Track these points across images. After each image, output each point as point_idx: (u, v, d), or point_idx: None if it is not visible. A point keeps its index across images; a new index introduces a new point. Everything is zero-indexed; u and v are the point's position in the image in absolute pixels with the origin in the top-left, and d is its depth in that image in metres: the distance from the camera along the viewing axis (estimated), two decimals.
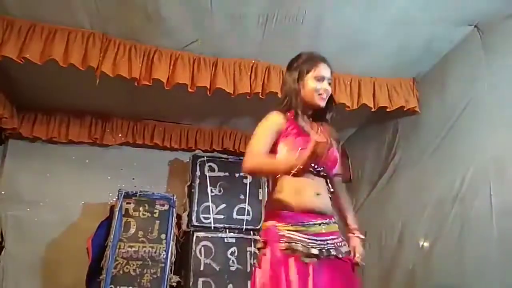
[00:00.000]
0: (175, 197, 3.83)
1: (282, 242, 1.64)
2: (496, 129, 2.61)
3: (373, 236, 3.77)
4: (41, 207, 3.95)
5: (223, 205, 3.94)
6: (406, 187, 3.47)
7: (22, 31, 2.71)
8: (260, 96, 3.10)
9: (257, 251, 1.79)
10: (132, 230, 3.61)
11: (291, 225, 1.67)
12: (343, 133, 4.31)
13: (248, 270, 3.73)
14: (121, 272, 3.45)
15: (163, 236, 3.65)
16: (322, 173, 1.78)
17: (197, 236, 3.79)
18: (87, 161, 4.17)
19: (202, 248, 3.76)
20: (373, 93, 3.34)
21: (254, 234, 3.85)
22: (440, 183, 3.03)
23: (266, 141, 1.76)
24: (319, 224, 1.70)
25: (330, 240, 1.70)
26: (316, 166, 1.72)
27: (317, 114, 1.91)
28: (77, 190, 4.05)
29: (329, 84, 1.87)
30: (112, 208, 3.71)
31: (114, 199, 3.74)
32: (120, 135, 4.14)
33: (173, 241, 3.66)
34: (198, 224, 3.84)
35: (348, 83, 3.31)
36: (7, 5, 2.65)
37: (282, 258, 1.62)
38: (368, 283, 3.69)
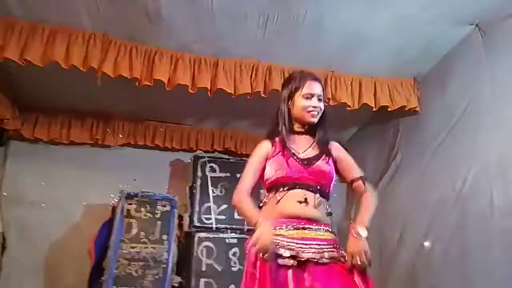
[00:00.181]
0: (176, 198, 3.83)
1: None
2: (498, 128, 2.61)
3: (374, 236, 3.76)
4: (43, 208, 3.95)
5: (225, 206, 3.94)
6: (407, 187, 3.47)
7: (23, 33, 2.72)
8: (262, 94, 3.10)
9: None
10: (134, 231, 3.61)
11: (275, 230, 1.72)
12: (344, 133, 4.31)
13: None
14: (123, 273, 3.45)
15: (164, 237, 3.65)
16: (310, 188, 1.80)
17: (198, 237, 3.80)
18: (88, 162, 4.17)
19: (204, 248, 3.76)
20: (374, 93, 3.34)
21: None
22: (442, 183, 3.02)
23: (253, 174, 1.90)
24: (302, 228, 1.74)
25: (315, 245, 1.72)
26: (293, 183, 1.79)
27: (313, 130, 1.95)
28: (79, 191, 4.05)
29: (320, 100, 1.90)
30: (113, 209, 3.71)
31: (116, 200, 3.74)
32: (121, 136, 4.14)
33: (174, 242, 3.66)
34: (200, 225, 3.84)
35: (349, 83, 3.31)
36: (8, 5, 2.65)
37: (261, 260, 1.67)
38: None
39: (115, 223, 3.55)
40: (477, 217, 2.65)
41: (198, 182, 4.00)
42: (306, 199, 1.77)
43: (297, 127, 1.94)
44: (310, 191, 1.80)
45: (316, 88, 1.91)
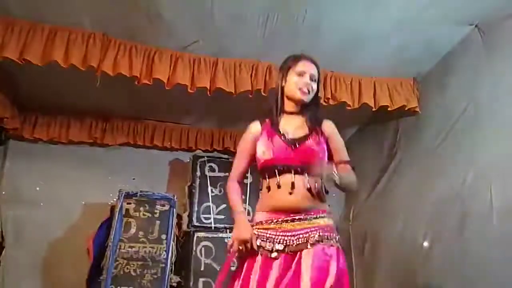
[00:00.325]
0: (175, 197, 3.82)
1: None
2: (497, 129, 2.61)
3: (373, 235, 3.77)
4: (42, 207, 3.95)
5: (224, 205, 3.93)
6: (406, 187, 3.47)
7: (23, 32, 2.72)
8: (263, 93, 3.09)
9: None
10: (133, 230, 3.60)
11: (264, 224, 1.80)
12: (344, 132, 4.29)
13: None
14: (121, 272, 3.45)
15: (163, 236, 3.64)
16: (298, 170, 1.78)
17: (197, 236, 3.79)
18: (87, 161, 4.17)
19: (203, 248, 3.76)
20: (373, 93, 3.34)
21: None
22: (441, 183, 3.02)
23: (242, 160, 1.99)
24: (291, 221, 1.76)
25: (303, 233, 1.72)
26: (280, 167, 1.80)
27: (306, 110, 1.93)
28: (78, 190, 4.05)
29: (314, 81, 1.90)
30: (112, 208, 3.71)
31: (115, 199, 3.73)
32: (119, 135, 4.14)
33: (173, 241, 3.66)
34: (199, 224, 3.84)
35: (349, 82, 3.31)
36: (8, 5, 2.65)
37: (251, 253, 1.75)
38: (367, 283, 3.69)
39: (114, 222, 3.54)
40: (476, 217, 2.65)
41: (197, 181, 3.99)
42: (294, 185, 1.76)
43: (290, 106, 1.93)
44: (299, 173, 1.78)
45: (309, 67, 1.91)
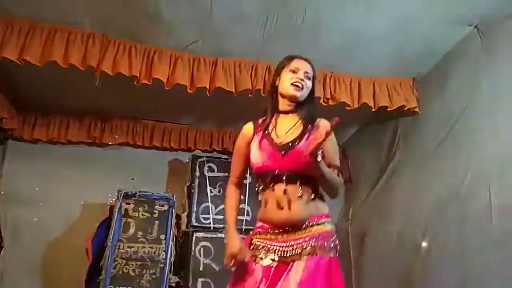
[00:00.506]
0: (174, 197, 3.82)
1: (251, 249, 1.81)
2: (496, 129, 2.61)
3: (373, 235, 3.77)
4: (41, 207, 3.94)
5: (223, 206, 3.92)
6: (405, 187, 3.47)
7: (22, 32, 2.71)
8: (262, 93, 3.09)
9: None
10: (132, 231, 3.60)
11: (261, 234, 1.82)
12: (343, 133, 4.31)
13: None
14: (120, 272, 3.45)
15: (162, 236, 3.64)
16: (290, 179, 1.75)
17: (196, 237, 3.79)
18: (87, 161, 4.17)
19: (202, 248, 3.76)
20: (373, 93, 3.35)
21: None
22: (440, 184, 3.03)
23: (237, 164, 1.99)
24: (286, 232, 1.76)
25: (296, 244, 1.72)
26: (270, 175, 1.78)
27: (301, 109, 1.89)
28: (77, 190, 4.05)
29: (308, 78, 1.88)
30: (111, 208, 3.71)
31: (114, 199, 3.73)
32: (118, 135, 4.14)
33: (172, 241, 3.66)
34: (198, 225, 3.84)
35: (348, 83, 3.32)
36: (7, 5, 2.64)
37: (249, 261, 1.77)
38: (367, 283, 3.69)
39: (113, 222, 3.54)
40: (475, 217, 2.65)
41: (196, 181, 3.99)
42: (286, 195, 1.73)
43: (285, 105, 1.89)
44: (291, 182, 1.74)
45: (303, 64, 1.89)
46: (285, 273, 1.68)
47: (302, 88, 1.85)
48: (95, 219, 3.73)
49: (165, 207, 3.75)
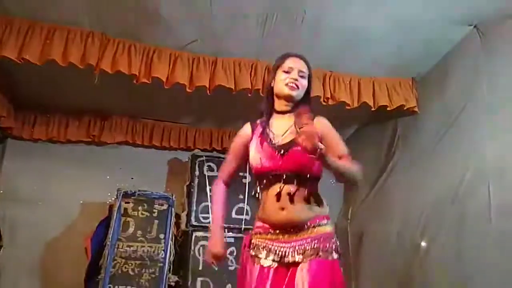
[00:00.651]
0: (174, 196, 3.82)
1: (251, 249, 1.81)
2: (495, 129, 2.61)
3: (371, 235, 3.77)
4: (40, 206, 3.94)
5: None
6: (404, 187, 3.47)
7: (21, 31, 2.71)
8: (261, 93, 3.09)
9: None
10: (131, 230, 3.61)
11: (262, 234, 1.80)
12: (343, 132, 4.30)
13: None
14: (119, 271, 3.45)
15: (161, 235, 3.64)
16: (288, 180, 1.74)
17: (195, 236, 3.79)
18: (86, 160, 4.16)
19: (201, 247, 3.76)
20: (372, 93, 3.35)
21: None
22: (439, 183, 3.03)
23: (231, 162, 2.03)
24: (287, 232, 1.74)
25: (298, 245, 1.71)
26: (269, 176, 1.77)
27: (297, 108, 1.87)
28: (76, 189, 4.04)
29: (303, 77, 1.86)
30: (111, 208, 3.71)
31: (113, 199, 3.73)
32: (117, 134, 4.13)
33: (171, 240, 3.66)
34: (197, 224, 3.83)
35: (348, 82, 3.32)
36: (6, 4, 2.64)
37: (250, 262, 1.78)
38: (366, 283, 3.69)
39: (112, 221, 3.54)
40: (474, 217, 2.65)
41: (196, 181, 3.99)
42: (284, 196, 1.72)
43: (282, 105, 1.88)
44: (289, 183, 1.74)
45: (297, 63, 1.87)
46: (288, 276, 1.67)
47: (298, 88, 1.84)
48: (94, 218, 3.73)
49: (165, 206, 3.75)
